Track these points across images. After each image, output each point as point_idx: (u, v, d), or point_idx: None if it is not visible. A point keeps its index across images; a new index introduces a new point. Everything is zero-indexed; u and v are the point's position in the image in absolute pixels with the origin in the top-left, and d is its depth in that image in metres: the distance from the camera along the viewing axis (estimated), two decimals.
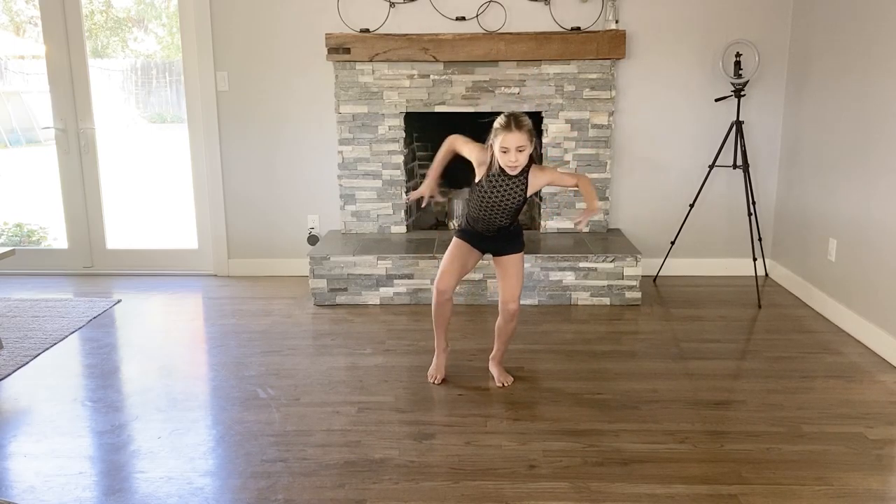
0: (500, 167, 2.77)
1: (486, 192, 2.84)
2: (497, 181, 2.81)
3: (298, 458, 2.54)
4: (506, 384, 3.12)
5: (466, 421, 2.81)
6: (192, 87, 4.72)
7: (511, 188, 2.82)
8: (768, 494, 2.30)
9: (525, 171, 2.80)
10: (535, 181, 2.84)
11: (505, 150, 2.70)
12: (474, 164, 2.88)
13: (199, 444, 2.66)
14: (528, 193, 2.86)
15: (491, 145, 2.77)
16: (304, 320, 4.02)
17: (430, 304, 4.20)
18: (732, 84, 4.30)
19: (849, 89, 3.75)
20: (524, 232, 3.11)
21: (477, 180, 2.88)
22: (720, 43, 4.42)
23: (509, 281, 2.99)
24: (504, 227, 2.95)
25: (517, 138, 2.68)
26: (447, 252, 3.03)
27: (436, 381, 3.14)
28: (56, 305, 4.26)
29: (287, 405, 2.96)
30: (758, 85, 4.51)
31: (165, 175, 5.92)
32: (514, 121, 2.70)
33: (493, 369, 3.20)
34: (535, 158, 2.84)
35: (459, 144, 2.91)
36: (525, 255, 4.13)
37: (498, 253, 3.01)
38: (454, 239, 3.04)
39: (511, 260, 2.99)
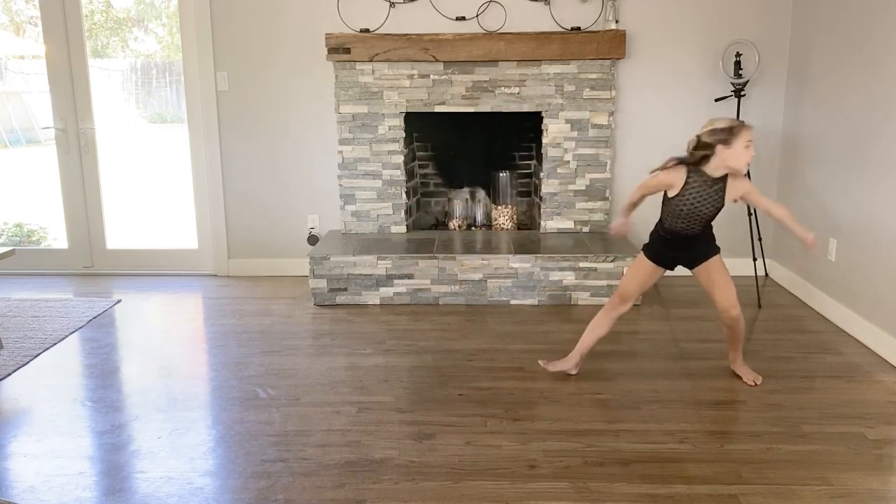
0: (705, 175, 2.86)
1: (688, 201, 2.90)
2: (700, 188, 2.88)
3: (298, 458, 2.54)
4: (757, 382, 3.11)
5: (466, 421, 2.81)
6: (192, 87, 4.72)
7: (712, 193, 2.88)
8: (768, 494, 2.30)
9: (724, 177, 2.88)
10: (734, 186, 2.89)
11: (747, 145, 2.80)
12: (668, 189, 2.94)
13: (199, 444, 2.66)
14: (728, 198, 2.91)
15: (695, 157, 2.85)
16: (304, 320, 4.02)
17: (430, 304, 4.23)
18: (732, 84, 4.30)
19: (849, 89, 3.75)
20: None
21: (674, 194, 2.93)
22: (720, 43, 4.42)
23: (720, 286, 3.02)
24: (697, 234, 2.99)
25: (751, 133, 2.83)
26: (633, 267, 3.14)
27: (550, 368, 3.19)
28: (56, 305, 4.26)
29: (287, 405, 2.96)
30: (758, 85, 4.51)
31: (165, 175, 5.92)
32: (743, 122, 2.85)
33: (739, 371, 3.19)
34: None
35: (652, 183, 2.99)
36: (523, 256, 4.18)
37: (693, 263, 3.04)
38: (641, 256, 3.12)
39: (712, 265, 3.02)
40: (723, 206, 2.92)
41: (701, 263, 3.03)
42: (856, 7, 3.69)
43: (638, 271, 3.11)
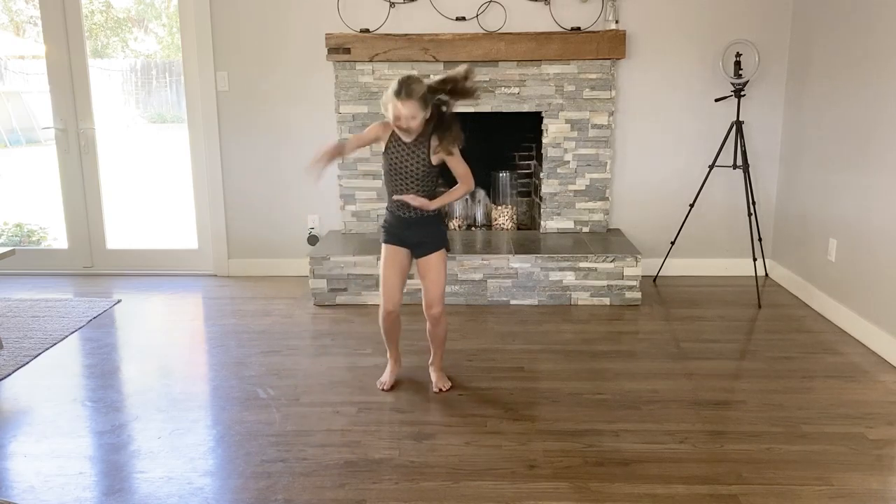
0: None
1: (390, 158, 2.86)
2: (398, 145, 2.83)
3: (298, 458, 2.54)
4: (443, 389, 3.07)
5: (466, 421, 2.81)
6: (192, 87, 4.72)
7: (412, 151, 2.82)
8: (768, 494, 2.30)
9: (428, 135, 2.80)
10: (434, 146, 2.81)
11: (396, 118, 2.72)
12: (376, 142, 2.91)
13: (199, 444, 2.66)
14: (433, 158, 2.82)
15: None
16: (304, 320, 4.02)
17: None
18: (732, 84, 4.30)
19: (849, 89, 3.75)
20: (446, 231, 3.02)
21: (381, 149, 2.89)
22: (720, 43, 4.42)
23: (429, 283, 2.95)
24: (420, 214, 2.90)
25: (407, 108, 2.69)
26: (382, 264, 3.00)
27: (384, 388, 3.10)
28: (56, 305, 4.26)
29: (287, 405, 2.96)
30: (758, 85, 4.51)
31: (165, 175, 5.93)
32: (404, 89, 2.68)
33: (432, 374, 3.16)
34: (445, 122, 2.80)
35: (354, 140, 2.95)
36: (523, 256, 4.18)
37: (419, 253, 2.95)
38: (382, 245, 2.99)
39: (430, 261, 2.94)
40: (429, 163, 2.81)
41: (422, 257, 2.95)
42: (856, 7, 3.69)
43: (384, 265, 2.98)
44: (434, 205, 2.88)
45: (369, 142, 2.95)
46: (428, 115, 2.77)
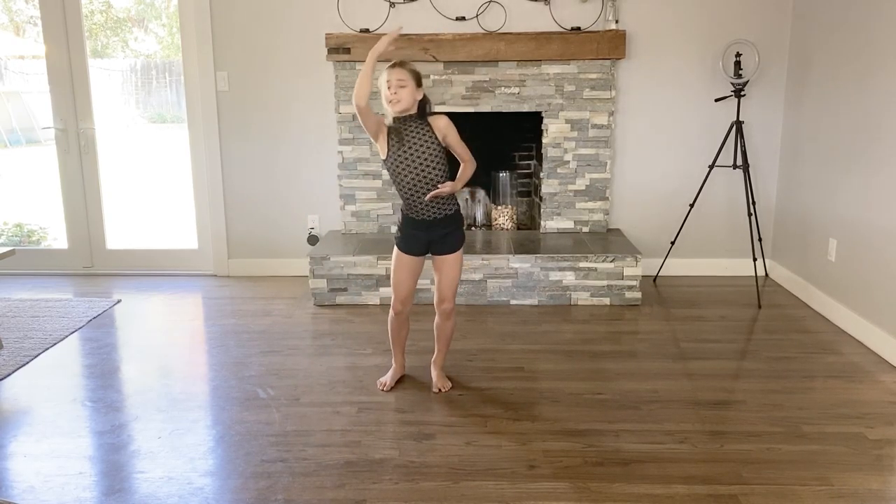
0: (395, 120, 2.84)
1: (397, 154, 2.81)
2: (405, 138, 2.81)
3: (298, 458, 2.54)
4: (443, 389, 3.07)
5: (466, 421, 2.81)
6: (192, 87, 4.72)
7: (420, 137, 2.80)
8: (768, 494, 2.30)
9: (424, 118, 2.84)
10: (437, 123, 2.83)
11: (387, 87, 2.79)
12: (375, 140, 2.91)
13: (199, 444, 2.66)
14: (439, 136, 2.81)
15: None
16: (304, 320, 4.02)
17: (430, 304, 4.22)
18: (732, 84, 4.30)
19: (849, 89, 3.75)
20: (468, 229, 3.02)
21: (385, 155, 2.87)
22: (720, 43, 4.42)
23: (444, 279, 2.96)
24: (440, 210, 2.87)
25: (396, 73, 2.79)
26: (394, 266, 2.99)
27: (384, 388, 3.10)
28: (56, 305, 4.26)
29: (287, 405, 2.96)
30: (758, 85, 4.51)
31: (165, 175, 5.92)
32: (396, 61, 2.85)
33: (433, 373, 3.16)
34: (430, 108, 2.90)
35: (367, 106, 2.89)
36: (523, 256, 4.18)
37: (439, 251, 2.94)
38: (395, 250, 2.99)
39: (449, 259, 2.94)
40: (439, 146, 2.80)
41: (440, 256, 2.94)
42: (856, 7, 3.69)
43: (397, 268, 2.98)
44: (460, 185, 2.88)
45: (373, 119, 2.88)
46: (420, 96, 2.84)
